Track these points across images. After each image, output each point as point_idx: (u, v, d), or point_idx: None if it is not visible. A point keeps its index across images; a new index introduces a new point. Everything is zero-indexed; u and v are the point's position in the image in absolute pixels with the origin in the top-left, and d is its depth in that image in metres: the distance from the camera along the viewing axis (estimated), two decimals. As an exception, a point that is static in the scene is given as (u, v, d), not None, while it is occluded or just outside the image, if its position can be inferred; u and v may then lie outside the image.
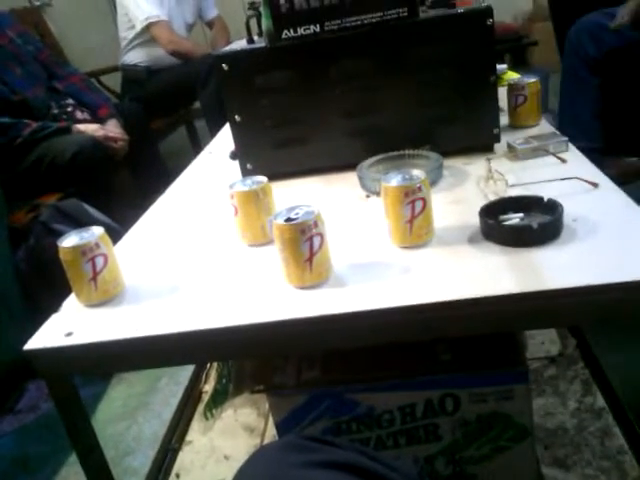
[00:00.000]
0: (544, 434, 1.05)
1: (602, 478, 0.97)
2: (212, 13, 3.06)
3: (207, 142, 1.70)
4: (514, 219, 0.84)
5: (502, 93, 1.23)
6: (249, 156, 1.20)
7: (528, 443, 0.96)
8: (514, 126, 1.25)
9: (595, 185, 0.92)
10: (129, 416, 1.51)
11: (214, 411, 1.28)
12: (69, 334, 0.80)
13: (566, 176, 0.96)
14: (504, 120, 1.23)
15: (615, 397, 1.11)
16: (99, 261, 0.84)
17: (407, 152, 1.10)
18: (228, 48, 1.21)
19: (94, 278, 0.84)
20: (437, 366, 0.93)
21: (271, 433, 1.19)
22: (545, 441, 1.04)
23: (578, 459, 1.00)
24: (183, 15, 2.91)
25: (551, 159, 1.06)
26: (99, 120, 2.26)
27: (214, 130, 2.57)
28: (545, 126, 1.24)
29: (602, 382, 1.15)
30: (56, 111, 2.20)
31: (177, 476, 1.19)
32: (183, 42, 2.81)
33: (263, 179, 0.96)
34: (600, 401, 1.11)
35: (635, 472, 0.98)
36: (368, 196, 1.05)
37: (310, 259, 0.78)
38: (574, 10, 1.15)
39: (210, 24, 3.09)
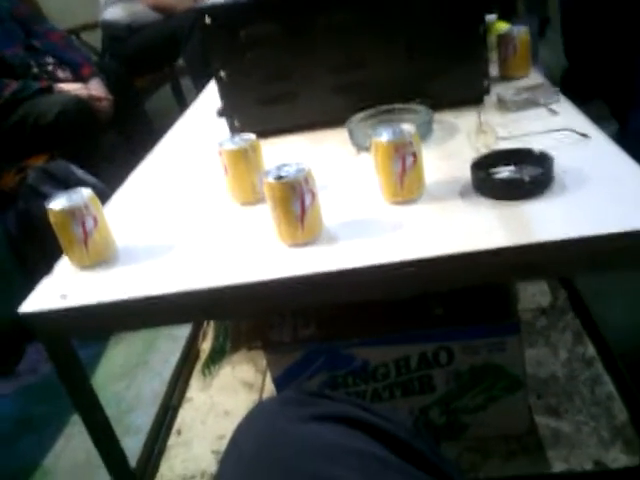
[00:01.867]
0: (536, 384, 1.08)
1: (592, 424, 1.00)
2: None
3: (193, 99, 1.67)
4: (505, 172, 0.84)
5: (493, 44, 1.21)
6: (236, 113, 1.19)
7: (520, 393, 0.99)
8: (504, 77, 1.23)
9: (586, 136, 0.92)
10: (129, 375, 1.53)
11: (212, 368, 1.30)
12: (64, 296, 0.80)
13: (557, 128, 0.95)
14: (494, 71, 1.22)
15: (605, 346, 1.13)
16: (89, 223, 0.84)
17: (397, 106, 1.09)
18: (211, 0, 1.18)
19: (85, 240, 0.84)
20: (430, 320, 0.95)
21: (269, 388, 1.22)
22: (537, 390, 1.07)
23: (569, 407, 1.03)
24: None
25: (542, 111, 1.05)
26: (81, 79, 2.20)
27: (199, 87, 2.52)
28: (536, 76, 1.23)
29: (592, 332, 1.18)
30: (36, 70, 2.14)
31: (178, 432, 1.21)
32: None
33: (252, 136, 0.95)
34: (591, 350, 1.13)
35: (623, 416, 1.01)
36: (358, 152, 1.05)
37: (302, 217, 0.78)
38: None
39: None
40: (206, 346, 1.38)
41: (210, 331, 1.42)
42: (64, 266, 0.88)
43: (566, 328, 1.14)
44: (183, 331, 1.50)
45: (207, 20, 1.11)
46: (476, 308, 0.94)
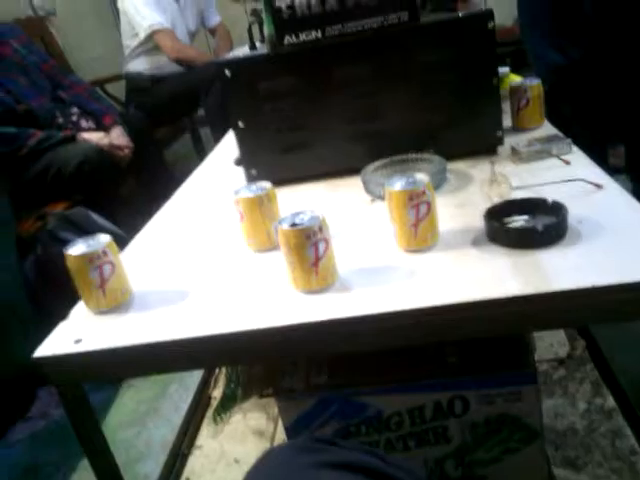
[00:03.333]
0: (554, 435, 1.05)
1: (614, 478, 0.96)
2: (214, 20, 3.08)
3: (212, 149, 1.71)
4: (519, 221, 0.84)
5: (505, 96, 1.24)
6: (253, 162, 1.21)
7: (538, 444, 0.96)
8: (517, 129, 1.25)
9: (599, 186, 0.92)
10: (139, 422, 1.51)
11: (223, 415, 1.28)
12: (78, 341, 0.81)
13: (570, 178, 0.96)
14: (507, 123, 1.24)
15: (625, 398, 1.11)
16: (106, 268, 0.85)
17: (411, 156, 1.11)
18: (231, 55, 1.22)
19: (102, 285, 0.85)
20: (445, 369, 0.93)
21: (280, 437, 1.20)
22: (555, 442, 1.04)
23: (589, 460, 1.00)
24: (186, 22, 2.92)
25: (555, 161, 1.06)
26: (104, 128, 2.27)
27: (218, 137, 2.58)
28: (548, 128, 1.25)
29: (611, 383, 1.15)
30: (61, 120, 2.21)
31: (188, 480, 1.19)
32: (187, 49, 2.83)
33: (268, 185, 0.97)
34: (610, 402, 1.10)
35: (647, 472, 0.98)
36: (373, 200, 1.06)
37: (316, 264, 0.78)
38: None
39: (212, 31, 3.11)
40: (217, 393, 1.37)
41: (222, 378, 1.41)
42: (80, 311, 0.89)
43: (584, 379, 1.11)
44: (194, 378, 1.49)
45: (227, 73, 1.15)
46: (492, 357, 0.93)
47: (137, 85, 2.85)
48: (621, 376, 1.15)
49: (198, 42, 3.18)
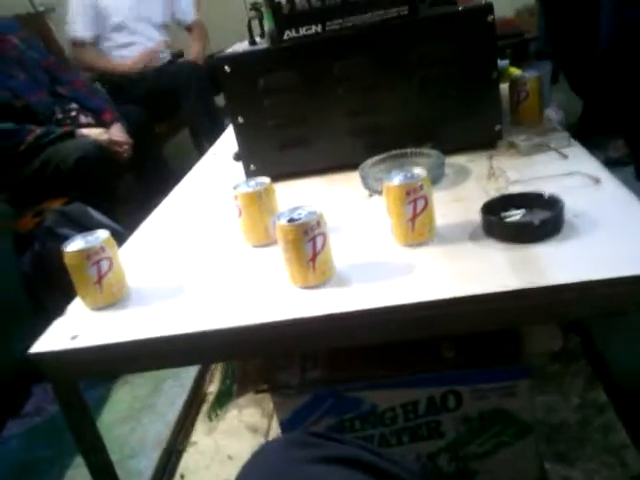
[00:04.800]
0: (547, 430, 1.05)
1: (605, 472, 0.96)
2: (189, 17, 3.00)
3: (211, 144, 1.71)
4: (515, 215, 0.84)
5: (504, 89, 1.23)
6: (252, 157, 1.21)
7: (530, 439, 0.96)
8: (516, 122, 1.24)
9: (597, 180, 0.92)
10: (134, 418, 1.51)
11: (218, 412, 1.28)
12: (74, 337, 0.81)
13: (568, 171, 0.96)
14: (506, 116, 1.23)
15: (618, 392, 1.11)
16: (104, 264, 0.85)
17: (409, 151, 1.11)
18: (231, 49, 1.22)
19: (99, 281, 0.85)
20: (439, 363, 0.94)
21: (276, 433, 1.20)
22: (548, 437, 1.04)
23: (581, 454, 1.00)
24: (148, 13, 2.85)
25: (553, 155, 1.06)
26: (103, 124, 2.27)
27: (201, 140, 2.58)
28: (547, 122, 1.24)
29: (605, 377, 1.15)
30: (60, 116, 2.20)
31: (182, 477, 1.19)
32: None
33: (266, 180, 0.96)
34: (603, 396, 1.11)
35: (638, 466, 0.98)
36: (371, 195, 1.06)
37: (313, 259, 0.78)
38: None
39: (189, 29, 3.04)
40: (212, 389, 1.37)
41: (217, 374, 1.41)
42: (76, 307, 0.89)
43: (578, 373, 1.11)
44: (189, 374, 1.49)
45: (226, 68, 1.14)
46: (486, 351, 0.93)
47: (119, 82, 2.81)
48: (614, 370, 1.15)
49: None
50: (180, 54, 3.03)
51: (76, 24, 2.71)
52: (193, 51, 2.96)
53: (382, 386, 0.95)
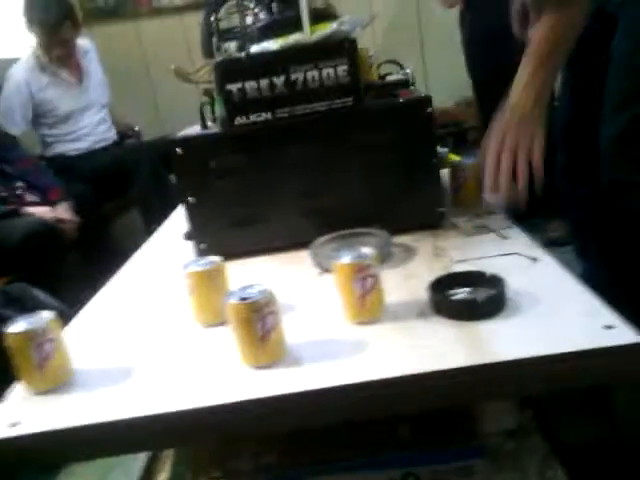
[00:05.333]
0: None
1: None
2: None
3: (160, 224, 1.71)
4: (461, 294, 0.87)
5: (446, 174, 1.30)
6: (203, 236, 1.22)
7: (490, 519, 0.95)
8: (458, 205, 1.31)
9: (534, 260, 0.97)
10: (78, 511, 1.41)
11: (171, 503, 1.22)
12: (14, 424, 0.77)
13: (508, 251, 1.01)
14: (448, 199, 1.29)
15: (576, 469, 1.11)
16: (48, 347, 0.83)
17: (357, 231, 1.14)
18: (183, 132, 1.25)
19: (42, 364, 0.82)
20: (397, 443, 0.93)
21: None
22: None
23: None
24: (94, 98, 2.89)
25: (493, 235, 1.11)
26: (50, 203, 2.24)
27: (149, 219, 2.58)
28: (486, 205, 1.31)
29: (561, 454, 1.16)
30: (5, 194, 2.18)
31: None
32: None
33: (217, 259, 0.97)
34: (560, 473, 1.11)
35: None
36: (321, 273, 1.07)
37: (264, 338, 0.79)
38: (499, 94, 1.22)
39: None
40: (163, 478, 1.30)
41: (167, 462, 1.34)
42: (17, 392, 0.85)
43: (534, 450, 1.12)
44: (138, 462, 1.41)
45: (178, 151, 1.17)
46: (442, 430, 0.93)
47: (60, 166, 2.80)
48: (570, 446, 1.16)
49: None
50: (127, 132, 3.07)
51: (12, 120, 2.66)
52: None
53: (341, 469, 0.93)
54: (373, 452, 0.93)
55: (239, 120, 1.15)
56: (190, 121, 1.32)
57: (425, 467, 0.92)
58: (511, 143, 1.02)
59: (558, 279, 0.91)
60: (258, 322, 0.78)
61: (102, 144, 2.86)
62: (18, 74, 2.69)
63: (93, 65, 2.91)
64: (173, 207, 1.74)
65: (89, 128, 2.84)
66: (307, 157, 1.17)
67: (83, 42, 2.87)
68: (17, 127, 2.65)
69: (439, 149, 1.22)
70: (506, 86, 1.07)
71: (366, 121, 1.16)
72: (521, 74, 1.05)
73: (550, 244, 1.06)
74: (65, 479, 1.51)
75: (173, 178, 2.72)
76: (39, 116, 2.74)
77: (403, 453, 0.93)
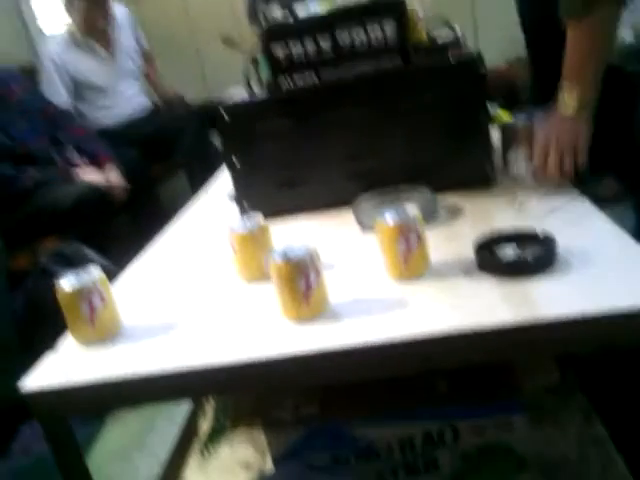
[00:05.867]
0: (545, 464, 1.02)
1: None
2: (144, 44, 3.05)
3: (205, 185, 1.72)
4: (508, 251, 0.85)
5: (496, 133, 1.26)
6: (248, 197, 1.22)
7: (528, 474, 0.95)
8: (507, 165, 1.26)
9: (588, 217, 0.94)
10: (125, 456, 1.47)
11: (211, 448, 1.25)
12: (65, 374, 0.80)
13: (559, 209, 0.97)
14: (498, 158, 1.25)
15: (616, 426, 1.09)
16: (96, 301, 0.85)
17: (402, 189, 1.12)
18: (228, 95, 1.25)
19: (91, 318, 0.85)
20: (435, 398, 0.92)
21: (269, 469, 1.16)
22: (546, 471, 1.01)
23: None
24: (126, 67, 2.90)
25: (545, 193, 1.07)
26: (100, 169, 2.30)
27: (195, 183, 2.61)
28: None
29: (602, 411, 1.13)
30: (58, 160, 2.24)
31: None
32: None
33: (261, 219, 0.97)
34: (601, 430, 1.09)
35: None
36: (364, 232, 1.06)
37: (306, 294, 0.79)
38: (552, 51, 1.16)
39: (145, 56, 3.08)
40: (205, 425, 1.34)
41: (210, 410, 1.38)
42: (68, 344, 0.88)
43: (575, 407, 1.10)
44: (182, 410, 1.46)
45: (225, 117, 1.17)
46: (482, 386, 0.92)
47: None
48: (611, 404, 1.13)
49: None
50: (175, 101, 3.09)
51: (57, 94, 2.70)
52: (152, 77, 3.07)
53: (378, 422, 0.94)
54: (411, 405, 0.93)
55: (285, 83, 1.13)
56: (234, 84, 1.31)
57: (464, 421, 0.92)
58: (558, 143, 1.05)
59: (611, 237, 0.87)
60: (301, 281, 0.78)
61: (141, 114, 2.89)
62: (54, 51, 2.75)
63: (124, 33, 2.91)
64: (216, 170, 1.75)
65: (125, 99, 2.87)
66: (353, 119, 1.15)
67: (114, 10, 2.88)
68: (64, 100, 2.70)
69: (489, 108, 1.17)
70: (554, 37, 1.04)
71: (414, 82, 1.13)
72: (563, 80, 1.06)
73: (601, 201, 1.02)
74: (112, 426, 1.58)
75: (216, 142, 2.76)
76: (77, 91, 2.79)
77: (441, 406, 0.92)
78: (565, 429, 1.06)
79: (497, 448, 0.93)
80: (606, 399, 1.14)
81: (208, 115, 2.76)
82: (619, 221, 0.91)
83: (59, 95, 2.69)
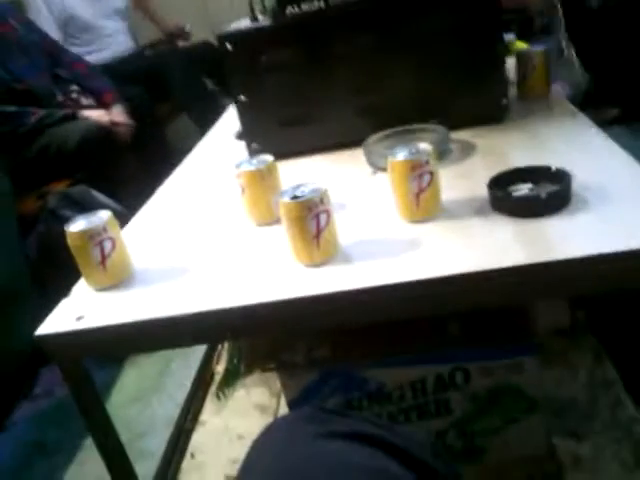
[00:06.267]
0: (555, 405, 1.05)
1: (614, 447, 0.96)
2: None
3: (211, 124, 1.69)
4: (523, 190, 0.83)
5: (510, 63, 1.21)
6: (255, 135, 1.20)
7: (539, 415, 0.96)
8: (523, 97, 1.22)
9: (604, 153, 0.91)
10: (142, 399, 1.52)
11: (226, 391, 1.29)
12: (80, 318, 0.80)
13: (575, 144, 0.94)
14: (513, 90, 1.21)
15: (626, 367, 1.10)
16: (107, 245, 0.84)
17: (414, 127, 1.09)
18: (232, 27, 1.20)
19: (103, 262, 0.85)
20: (447, 340, 0.93)
21: (283, 411, 1.20)
22: (557, 412, 1.04)
23: (590, 430, 1.00)
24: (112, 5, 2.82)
25: (559, 128, 1.04)
26: (104, 106, 2.25)
27: (198, 120, 2.56)
28: (554, 96, 1.22)
29: (612, 353, 1.15)
30: (61, 98, 2.19)
31: (192, 456, 1.20)
32: None
33: (269, 158, 0.95)
34: (611, 372, 1.10)
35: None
36: (375, 172, 1.04)
37: (317, 236, 0.77)
38: None
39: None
40: (220, 369, 1.37)
41: (224, 354, 1.41)
42: (81, 288, 0.88)
43: (586, 349, 1.11)
44: (197, 354, 1.49)
45: (228, 46, 1.12)
46: (493, 328, 0.92)
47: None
48: (622, 345, 1.14)
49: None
50: (177, 33, 3.00)
51: (49, 27, 2.60)
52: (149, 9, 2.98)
53: (389, 364, 0.95)
54: (422, 348, 0.94)
55: (290, 10, 1.08)
56: (239, 16, 1.26)
57: (474, 363, 0.93)
58: None
59: (630, 174, 0.84)
60: (311, 220, 0.77)
61: (123, 55, 2.80)
62: None
63: None
64: (216, 109, 1.72)
65: (107, 37, 2.78)
66: (361, 48, 1.10)
67: None
68: (54, 34, 2.63)
69: (504, 36, 1.12)
70: None
71: (424, 7, 1.07)
72: None
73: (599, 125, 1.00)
74: (129, 369, 1.63)
75: (209, 83, 2.71)
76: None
77: (453, 349, 0.93)
78: (575, 371, 1.07)
79: (507, 390, 0.94)
80: (616, 341, 1.14)
81: (196, 56, 2.71)
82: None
83: (50, 29, 2.61)
